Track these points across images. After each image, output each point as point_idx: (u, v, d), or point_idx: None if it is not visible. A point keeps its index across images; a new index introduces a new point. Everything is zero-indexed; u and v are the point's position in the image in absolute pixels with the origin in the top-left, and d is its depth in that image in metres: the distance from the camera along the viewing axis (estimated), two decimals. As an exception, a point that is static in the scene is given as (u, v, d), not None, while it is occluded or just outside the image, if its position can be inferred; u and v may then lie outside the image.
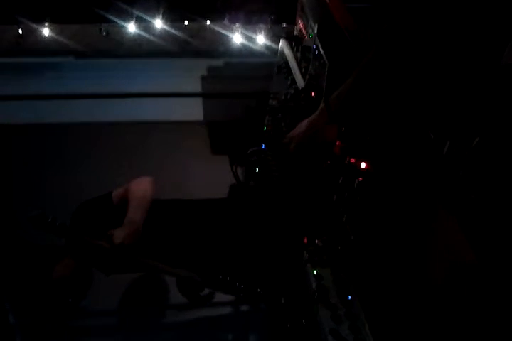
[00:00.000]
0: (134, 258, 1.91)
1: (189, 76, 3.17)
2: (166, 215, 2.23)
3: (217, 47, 3.03)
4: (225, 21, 2.97)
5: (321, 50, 1.89)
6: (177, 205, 2.31)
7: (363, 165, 1.55)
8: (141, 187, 2.17)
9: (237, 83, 3.12)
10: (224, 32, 2.98)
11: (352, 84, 1.52)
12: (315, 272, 1.64)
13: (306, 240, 1.77)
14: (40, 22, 2.89)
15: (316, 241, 1.75)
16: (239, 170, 2.28)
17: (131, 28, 2.93)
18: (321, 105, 1.63)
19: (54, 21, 2.90)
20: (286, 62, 2.32)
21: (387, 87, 1.47)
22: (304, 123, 1.73)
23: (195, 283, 2.02)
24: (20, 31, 2.89)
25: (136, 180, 2.22)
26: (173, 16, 2.92)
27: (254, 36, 2.96)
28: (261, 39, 2.97)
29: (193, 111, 3.21)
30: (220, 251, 2.15)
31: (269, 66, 2.68)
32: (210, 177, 2.89)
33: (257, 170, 2.17)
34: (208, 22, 2.98)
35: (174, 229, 2.19)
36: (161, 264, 1.99)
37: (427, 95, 1.46)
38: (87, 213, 2.17)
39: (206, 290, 2.08)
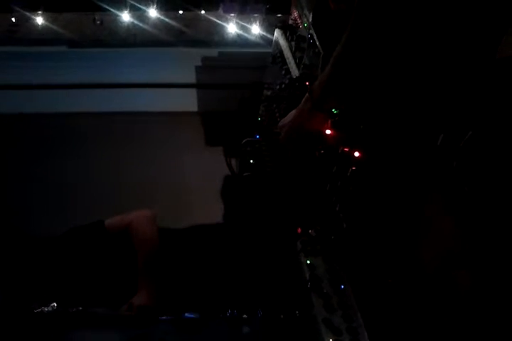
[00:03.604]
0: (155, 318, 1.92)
1: (183, 66, 3.16)
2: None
3: (212, 37, 3.02)
4: (220, 11, 2.96)
5: (315, 39, 1.89)
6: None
7: (356, 154, 1.55)
8: (147, 230, 2.10)
9: (231, 73, 3.11)
10: (219, 21, 2.97)
11: (330, 71, 1.51)
12: (308, 262, 1.64)
13: (299, 230, 1.77)
14: (34, 10, 2.87)
15: (310, 230, 1.75)
16: (233, 161, 2.27)
17: (126, 17, 2.92)
18: (306, 94, 1.62)
19: (48, 10, 2.88)
20: (281, 52, 2.31)
21: (369, 73, 1.46)
22: (292, 112, 1.72)
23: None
24: (13, 20, 2.87)
25: (138, 218, 2.15)
26: (167, 5, 2.91)
27: (249, 26, 2.95)
28: (256, 29, 2.95)
29: (187, 101, 3.20)
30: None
31: (263, 56, 2.68)
32: (205, 168, 2.89)
33: (252, 160, 2.16)
34: (203, 11, 2.96)
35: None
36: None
37: (421, 88, 1.45)
38: (78, 241, 2.11)
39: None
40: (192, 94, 3.22)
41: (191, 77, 3.19)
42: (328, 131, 1.61)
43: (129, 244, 2.06)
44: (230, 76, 3.11)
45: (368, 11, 1.35)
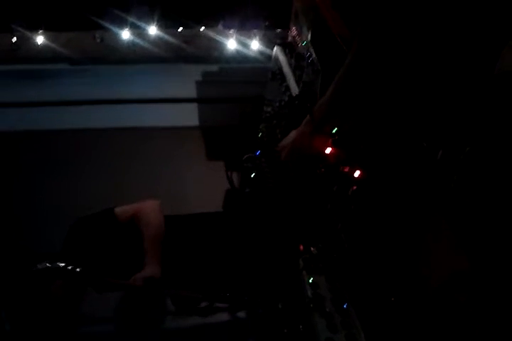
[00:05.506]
0: (159, 291, 2.03)
1: (184, 82, 3.18)
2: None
3: (212, 53, 3.05)
4: (220, 27, 2.98)
5: (314, 57, 1.90)
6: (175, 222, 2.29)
7: (357, 173, 1.55)
8: (154, 217, 2.17)
9: (231, 88, 3.13)
10: (218, 38, 2.99)
11: (331, 97, 1.53)
12: (311, 280, 1.64)
13: (301, 247, 1.77)
14: (35, 30, 2.89)
15: (311, 248, 1.75)
16: (234, 175, 2.28)
17: (126, 34, 2.93)
18: (307, 116, 1.64)
19: (48, 29, 2.90)
20: (281, 69, 2.32)
21: (371, 95, 1.47)
22: (293, 133, 1.74)
23: (195, 300, 2.08)
24: (14, 39, 2.89)
25: (146, 206, 2.22)
26: (167, 23, 2.92)
27: (248, 42, 2.97)
28: (255, 44, 2.97)
29: (188, 116, 3.21)
30: (219, 261, 2.16)
31: (263, 71, 2.69)
32: (206, 183, 2.89)
33: (252, 176, 2.17)
34: (202, 28, 2.98)
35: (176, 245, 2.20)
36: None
37: (419, 105, 1.46)
38: (88, 230, 2.15)
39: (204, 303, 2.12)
40: (192, 109, 3.23)
41: (191, 92, 3.21)
42: (328, 150, 1.62)
43: (136, 230, 2.14)
44: (230, 91, 3.13)
45: (370, 43, 1.37)
